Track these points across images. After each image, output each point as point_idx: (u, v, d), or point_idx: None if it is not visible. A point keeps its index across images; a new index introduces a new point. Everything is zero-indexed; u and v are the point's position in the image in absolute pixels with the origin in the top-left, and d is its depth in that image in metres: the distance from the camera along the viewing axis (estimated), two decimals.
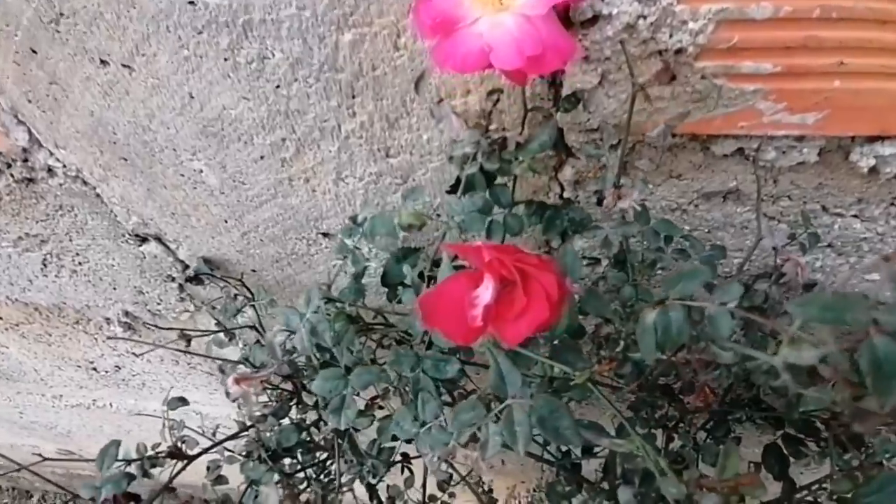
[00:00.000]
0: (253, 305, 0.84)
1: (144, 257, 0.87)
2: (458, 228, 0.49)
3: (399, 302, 0.63)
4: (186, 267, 0.88)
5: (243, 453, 0.69)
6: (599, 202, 0.69)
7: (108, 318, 1.09)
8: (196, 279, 0.85)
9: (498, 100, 0.50)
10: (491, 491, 1.02)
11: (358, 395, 0.52)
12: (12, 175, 0.73)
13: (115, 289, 0.96)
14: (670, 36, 0.46)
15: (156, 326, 1.04)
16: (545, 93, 0.54)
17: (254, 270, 0.88)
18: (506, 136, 0.51)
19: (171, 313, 1.01)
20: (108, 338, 1.10)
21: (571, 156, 0.62)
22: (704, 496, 0.31)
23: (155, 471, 0.65)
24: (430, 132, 0.61)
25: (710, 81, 0.47)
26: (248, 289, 0.86)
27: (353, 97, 0.58)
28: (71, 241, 0.86)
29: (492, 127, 0.49)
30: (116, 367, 1.31)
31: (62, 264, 0.91)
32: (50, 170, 0.73)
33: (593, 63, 0.49)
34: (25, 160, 0.71)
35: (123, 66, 0.57)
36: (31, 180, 0.74)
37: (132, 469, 0.61)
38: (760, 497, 0.34)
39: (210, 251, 0.84)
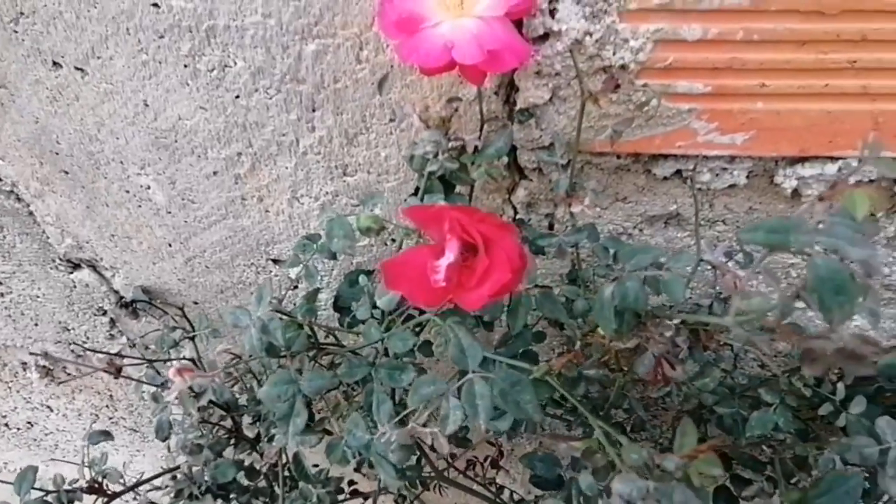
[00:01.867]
0: (192, 337, 0.79)
1: (75, 286, 0.81)
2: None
3: (351, 326, 0.61)
4: (121, 298, 0.83)
5: (172, 494, 0.62)
6: (551, 226, 0.71)
7: (24, 363, 1.00)
8: (132, 308, 0.80)
9: (457, 109, 0.53)
10: None
11: (309, 404, 0.48)
12: None
13: (36, 325, 0.88)
14: (614, 53, 0.50)
15: (78, 368, 0.95)
16: (500, 110, 0.57)
17: (195, 302, 0.84)
18: (464, 142, 0.53)
19: (87, 366, 0.93)
20: (24, 386, 1.00)
21: (524, 177, 0.65)
22: (665, 458, 0.31)
23: None
24: (388, 149, 0.62)
25: (649, 96, 0.51)
26: (189, 321, 0.81)
27: (314, 110, 0.59)
28: None
29: (450, 132, 0.51)
30: (29, 423, 1.18)
31: None
32: None
33: (545, 78, 0.52)
34: None
35: (77, 68, 0.56)
36: None
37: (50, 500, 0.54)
38: (715, 473, 0.34)
39: (149, 279, 0.80)
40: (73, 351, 0.93)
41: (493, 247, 0.33)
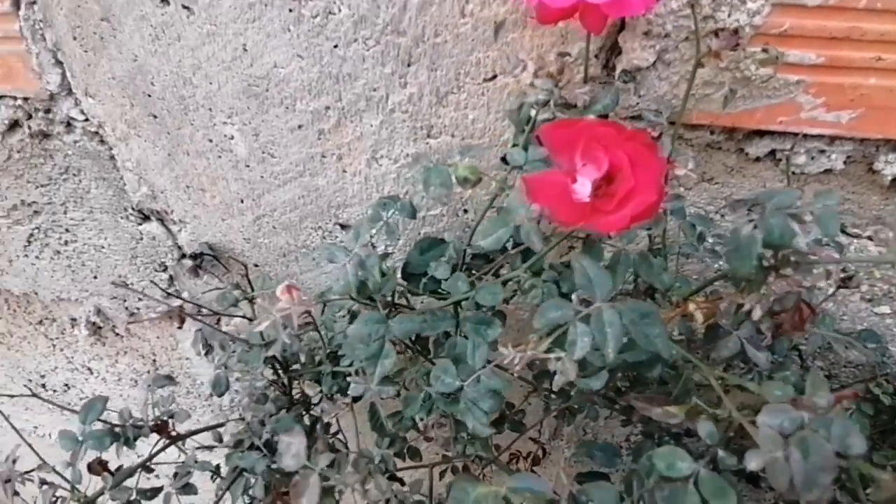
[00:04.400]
0: (251, 299, 0.79)
1: (141, 238, 0.82)
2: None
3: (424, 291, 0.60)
4: (183, 256, 0.83)
5: (232, 444, 0.61)
6: None
7: (74, 319, 1.00)
8: (195, 264, 0.80)
9: (567, 63, 0.52)
10: None
11: (395, 345, 0.47)
12: (30, 127, 0.70)
13: (95, 277, 0.89)
14: (729, 14, 0.49)
15: (128, 329, 0.95)
16: (599, 74, 0.57)
17: (256, 265, 0.84)
18: (566, 100, 0.52)
19: (150, 313, 0.93)
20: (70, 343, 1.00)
21: None
22: (816, 395, 0.29)
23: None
24: (477, 111, 0.62)
25: (765, 59, 0.50)
26: (250, 282, 0.81)
27: (409, 65, 0.59)
28: (66, 213, 0.80)
29: (560, 84, 0.50)
30: (66, 385, 1.18)
31: (47, 242, 0.85)
32: (69, 124, 0.70)
33: (653, 39, 0.52)
34: (47, 111, 0.68)
35: (184, 6, 0.57)
36: (45, 135, 0.71)
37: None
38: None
39: (215, 237, 0.80)
40: (126, 308, 0.93)
41: (639, 167, 0.32)
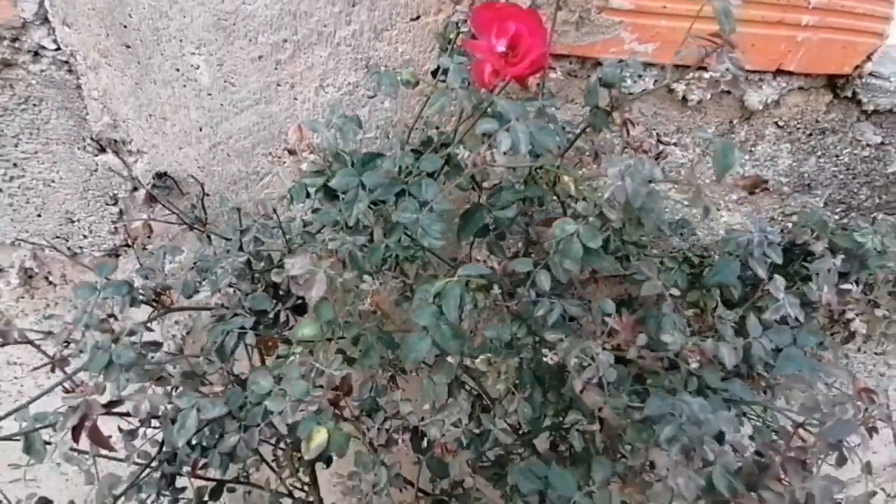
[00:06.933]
0: (205, 222, 0.90)
1: (96, 170, 0.89)
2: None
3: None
4: (135, 188, 0.92)
5: (215, 319, 0.73)
6: None
7: (1, 269, 1.01)
8: (151, 191, 0.89)
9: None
10: None
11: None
12: None
13: (39, 216, 0.93)
14: None
15: (64, 276, 0.99)
16: None
17: (207, 195, 0.95)
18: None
19: (95, 250, 0.98)
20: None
21: None
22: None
23: None
24: (405, 46, 0.82)
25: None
26: (205, 210, 0.92)
27: (353, 6, 0.78)
28: (16, 146, 0.86)
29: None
30: None
31: None
32: (37, 53, 0.77)
33: None
34: (14, 39, 0.76)
35: None
36: (7, 64, 0.78)
37: None
38: None
39: (171, 166, 0.90)
40: (69, 248, 0.97)
41: (533, 34, 0.54)
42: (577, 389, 0.57)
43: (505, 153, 0.54)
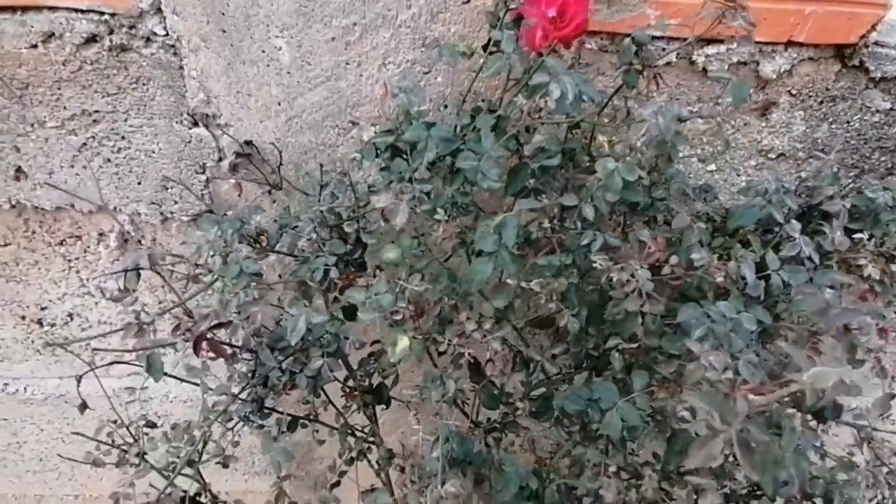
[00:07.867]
0: (280, 187, 1.03)
1: (190, 141, 1.03)
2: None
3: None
4: (220, 158, 1.06)
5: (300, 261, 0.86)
6: None
7: (101, 234, 1.16)
8: (235, 161, 1.03)
9: None
10: None
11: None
12: (110, 41, 0.91)
13: (139, 183, 1.07)
14: None
15: (154, 238, 1.14)
16: None
17: (281, 164, 1.08)
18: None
19: (183, 215, 1.12)
20: (106, 248, 1.15)
21: None
22: None
23: None
24: (457, 26, 0.94)
25: None
26: (281, 177, 1.05)
27: None
28: (126, 120, 1.00)
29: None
30: (69, 315, 1.30)
31: (99, 151, 1.03)
32: (149, 38, 0.92)
33: None
34: (132, 27, 0.90)
35: None
36: (124, 49, 0.92)
37: None
38: None
39: (252, 137, 1.04)
40: (161, 213, 1.12)
41: (576, 4, 0.66)
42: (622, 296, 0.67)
43: (556, 100, 0.65)
